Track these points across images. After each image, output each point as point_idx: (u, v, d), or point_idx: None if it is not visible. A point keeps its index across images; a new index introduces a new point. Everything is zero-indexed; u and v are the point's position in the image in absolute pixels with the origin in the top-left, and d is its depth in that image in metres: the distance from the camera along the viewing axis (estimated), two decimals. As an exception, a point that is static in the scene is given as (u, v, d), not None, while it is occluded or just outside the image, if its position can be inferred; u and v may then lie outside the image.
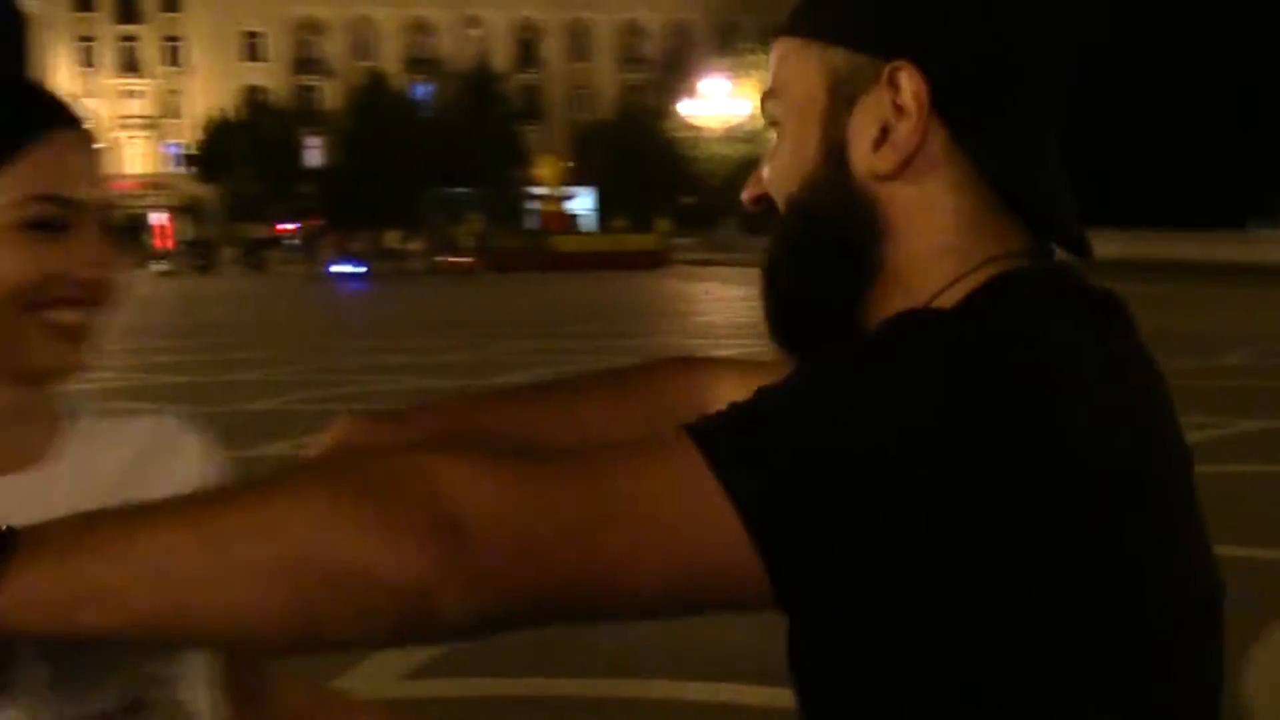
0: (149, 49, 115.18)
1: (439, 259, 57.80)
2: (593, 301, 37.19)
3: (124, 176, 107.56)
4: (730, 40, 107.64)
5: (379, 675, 6.41)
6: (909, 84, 1.33)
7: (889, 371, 1.18)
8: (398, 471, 1.10)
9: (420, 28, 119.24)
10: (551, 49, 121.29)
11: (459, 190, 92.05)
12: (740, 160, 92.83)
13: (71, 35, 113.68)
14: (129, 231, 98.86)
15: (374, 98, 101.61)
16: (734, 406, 1.19)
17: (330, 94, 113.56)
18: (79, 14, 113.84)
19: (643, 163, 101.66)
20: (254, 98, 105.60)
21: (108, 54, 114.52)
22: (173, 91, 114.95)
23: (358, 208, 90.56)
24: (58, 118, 1.58)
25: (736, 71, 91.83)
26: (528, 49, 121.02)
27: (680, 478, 1.13)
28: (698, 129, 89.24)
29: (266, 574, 1.07)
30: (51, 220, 1.52)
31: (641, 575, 1.13)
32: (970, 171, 1.34)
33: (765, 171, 1.45)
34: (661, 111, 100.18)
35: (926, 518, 1.11)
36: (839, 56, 1.37)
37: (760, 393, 1.20)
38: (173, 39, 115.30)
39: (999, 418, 1.14)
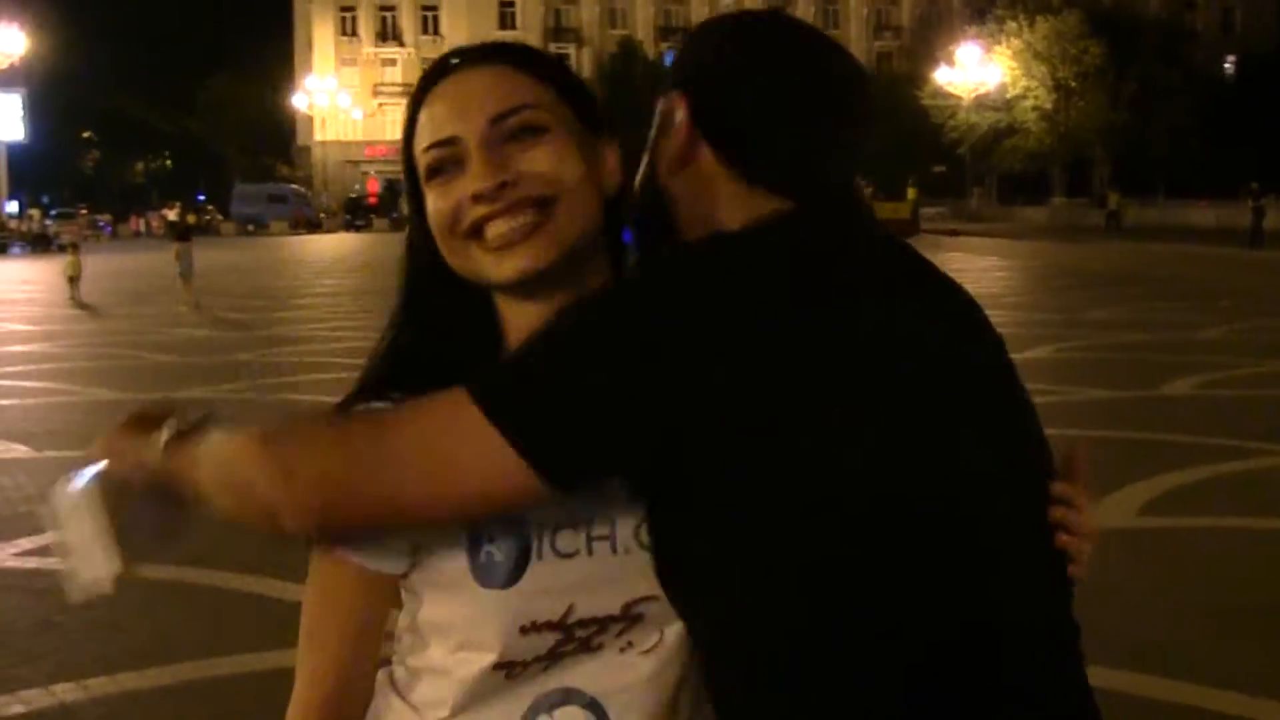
0: (407, 17, 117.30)
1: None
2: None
3: (382, 143, 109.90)
4: (984, 7, 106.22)
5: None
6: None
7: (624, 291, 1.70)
8: (280, 437, 1.68)
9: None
10: (804, 15, 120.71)
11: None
12: (991, 128, 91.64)
13: (333, 5, 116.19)
14: (388, 197, 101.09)
15: (625, 65, 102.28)
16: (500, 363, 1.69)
17: (582, 62, 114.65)
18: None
19: (894, 131, 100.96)
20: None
21: (367, 23, 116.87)
22: (429, 59, 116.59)
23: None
24: (426, 80, 1.85)
25: (990, 39, 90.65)
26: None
27: (457, 420, 1.60)
28: (950, 97, 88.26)
29: (233, 488, 1.69)
30: (440, 164, 1.80)
31: (423, 497, 1.62)
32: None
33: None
34: (914, 79, 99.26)
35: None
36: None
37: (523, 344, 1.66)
38: (430, 8, 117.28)
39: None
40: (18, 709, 6.00)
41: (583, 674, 1.76)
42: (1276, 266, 36.45)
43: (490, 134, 1.77)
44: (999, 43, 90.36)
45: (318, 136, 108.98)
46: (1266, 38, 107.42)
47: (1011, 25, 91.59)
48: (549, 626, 1.73)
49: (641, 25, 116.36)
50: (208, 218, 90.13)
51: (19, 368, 18.02)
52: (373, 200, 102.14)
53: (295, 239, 77.13)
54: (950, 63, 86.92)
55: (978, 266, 38.81)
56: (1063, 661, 1.68)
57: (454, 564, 1.75)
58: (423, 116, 1.82)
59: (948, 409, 1.63)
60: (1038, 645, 1.64)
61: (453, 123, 1.79)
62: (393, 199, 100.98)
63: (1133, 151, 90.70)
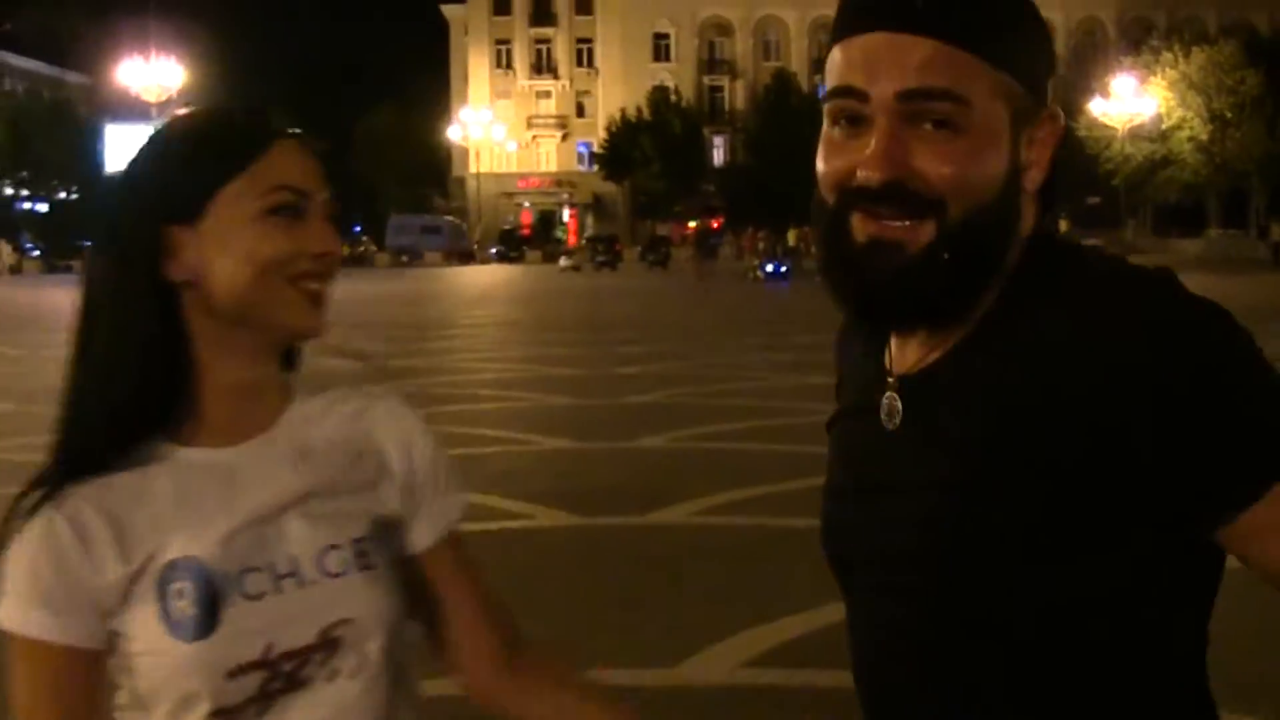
0: (561, 50, 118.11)
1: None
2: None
3: (535, 174, 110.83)
4: (1139, 37, 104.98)
5: (718, 661, 6.82)
6: (1053, 127, 1.75)
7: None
8: None
9: (826, 28, 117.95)
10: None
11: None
12: (1146, 159, 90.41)
13: (489, 38, 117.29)
14: (541, 228, 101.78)
15: (779, 97, 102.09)
16: None
17: (736, 94, 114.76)
18: (496, 17, 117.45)
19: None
20: (661, 97, 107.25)
21: (522, 56, 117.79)
22: (583, 92, 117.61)
23: (758, 207, 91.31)
24: (282, 130, 1.89)
25: (1145, 69, 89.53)
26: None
27: None
28: (1106, 128, 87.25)
29: None
30: (292, 205, 1.84)
31: None
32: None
33: (939, 170, 1.64)
34: (1069, 110, 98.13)
35: None
36: (1017, 90, 1.68)
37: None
38: (585, 40, 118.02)
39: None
40: None
41: (298, 709, 1.82)
42: None
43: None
44: (1154, 73, 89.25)
45: (472, 168, 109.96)
46: None
47: (1167, 56, 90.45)
48: (253, 666, 1.79)
49: (796, 57, 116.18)
50: (362, 249, 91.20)
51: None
52: (526, 232, 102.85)
53: (448, 270, 77.89)
54: (1105, 94, 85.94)
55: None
56: None
57: (147, 628, 1.80)
58: None
59: None
60: None
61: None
62: (546, 230, 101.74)
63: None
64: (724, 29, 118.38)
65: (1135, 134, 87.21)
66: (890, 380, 1.76)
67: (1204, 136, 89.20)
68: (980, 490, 1.63)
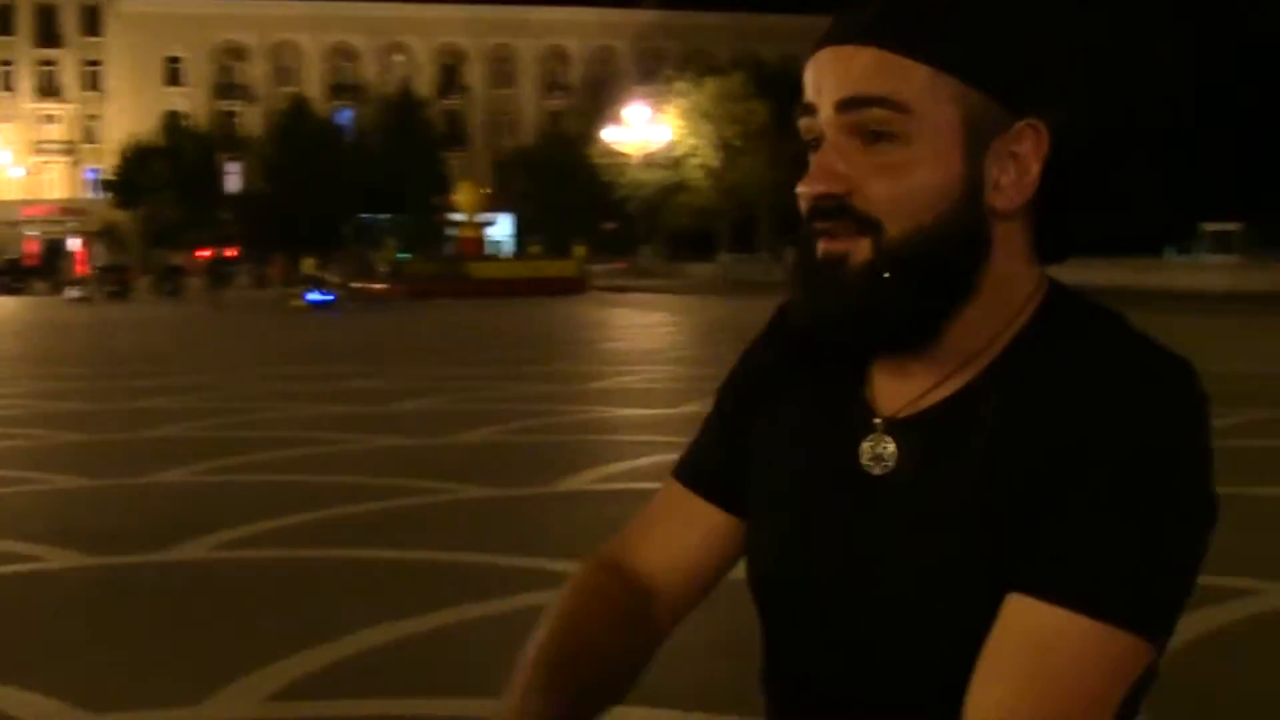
0: (68, 73, 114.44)
1: (355, 285, 57.60)
2: (508, 328, 37.22)
3: (42, 201, 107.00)
4: (653, 67, 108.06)
5: (245, 695, 6.56)
6: (1036, 139, 1.57)
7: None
8: None
9: (343, 53, 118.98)
10: (474, 75, 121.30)
11: (378, 216, 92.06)
12: (659, 186, 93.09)
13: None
14: (46, 258, 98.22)
15: (295, 123, 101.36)
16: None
17: (252, 119, 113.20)
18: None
19: (563, 188, 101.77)
20: (174, 122, 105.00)
21: (26, 77, 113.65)
22: (92, 116, 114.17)
23: (277, 234, 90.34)
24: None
25: (658, 98, 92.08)
26: (450, 75, 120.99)
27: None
28: (620, 155, 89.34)
29: None
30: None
31: None
32: (1033, 210, 1.61)
33: (876, 186, 1.56)
34: (583, 137, 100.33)
35: None
36: (977, 98, 1.55)
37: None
38: (94, 63, 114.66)
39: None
40: None
41: None
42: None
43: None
44: (668, 102, 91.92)
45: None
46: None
47: (680, 85, 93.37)
48: None
49: (312, 82, 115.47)
50: None
51: None
52: (32, 261, 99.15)
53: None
54: (619, 121, 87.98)
55: (645, 322, 39.29)
56: None
57: None
58: None
59: None
60: None
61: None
62: (53, 259, 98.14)
63: (794, 209, 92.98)
64: (239, 53, 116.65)
65: (649, 161, 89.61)
66: (877, 421, 1.65)
67: (715, 164, 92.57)
68: (978, 535, 1.54)
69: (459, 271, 61.51)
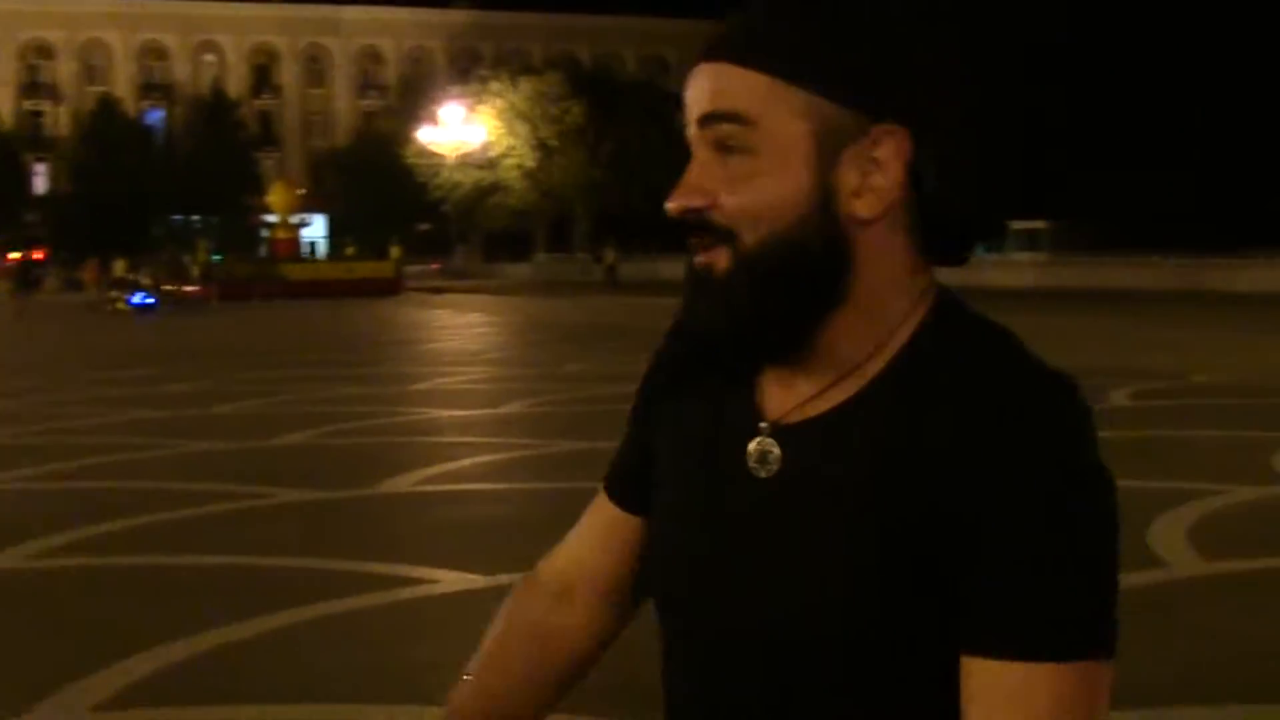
0: None
1: (167, 288, 56.60)
2: (325, 330, 36.93)
3: None
4: (468, 67, 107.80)
5: (68, 706, 6.45)
6: (895, 145, 1.58)
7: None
8: None
9: (153, 53, 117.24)
10: (287, 75, 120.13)
11: (191, 218, 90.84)
12: (475, 186, 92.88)
13: None
14: None
15: (104, 123, 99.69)
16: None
17: (59, 119, 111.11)
18: None
19: (378, 189, 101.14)
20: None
21: None
22: None
23: (87, 236, 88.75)
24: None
25: (473, 98, 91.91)
26: (264, 75, 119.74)
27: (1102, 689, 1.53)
28: (435, 155, 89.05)
29: None
30: None
31: None
32: (912, 217, 1.61)
33: (727, 197, 1.59)
34: (398, 138, 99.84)
35: None
36: (827, 107, 1.57)
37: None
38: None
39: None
40: None
41: None
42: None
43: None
44: (483, 102, 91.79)
45: None
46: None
47: (495, 85, 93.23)
48: None
49: (122, 82, 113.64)
50: None
51: None
52: None
53: None
54: (434, 122, 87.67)
55: (461, 323, 39.20)
56: None
57: None
58: None
59: None
60: None
61: None
62: None
63: (612, 208, 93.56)
64: (45, 51, 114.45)
65: (464, 161, 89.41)
66: (763, 425, 1.67)
67: (531, 164, 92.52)
68: (856, 538, 1.57)
69: (274, 273, 60.81)
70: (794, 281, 1.59)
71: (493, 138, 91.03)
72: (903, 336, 1.62)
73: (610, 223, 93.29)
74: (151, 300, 50.88)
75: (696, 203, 1.61)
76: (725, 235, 1.60)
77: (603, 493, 1.94)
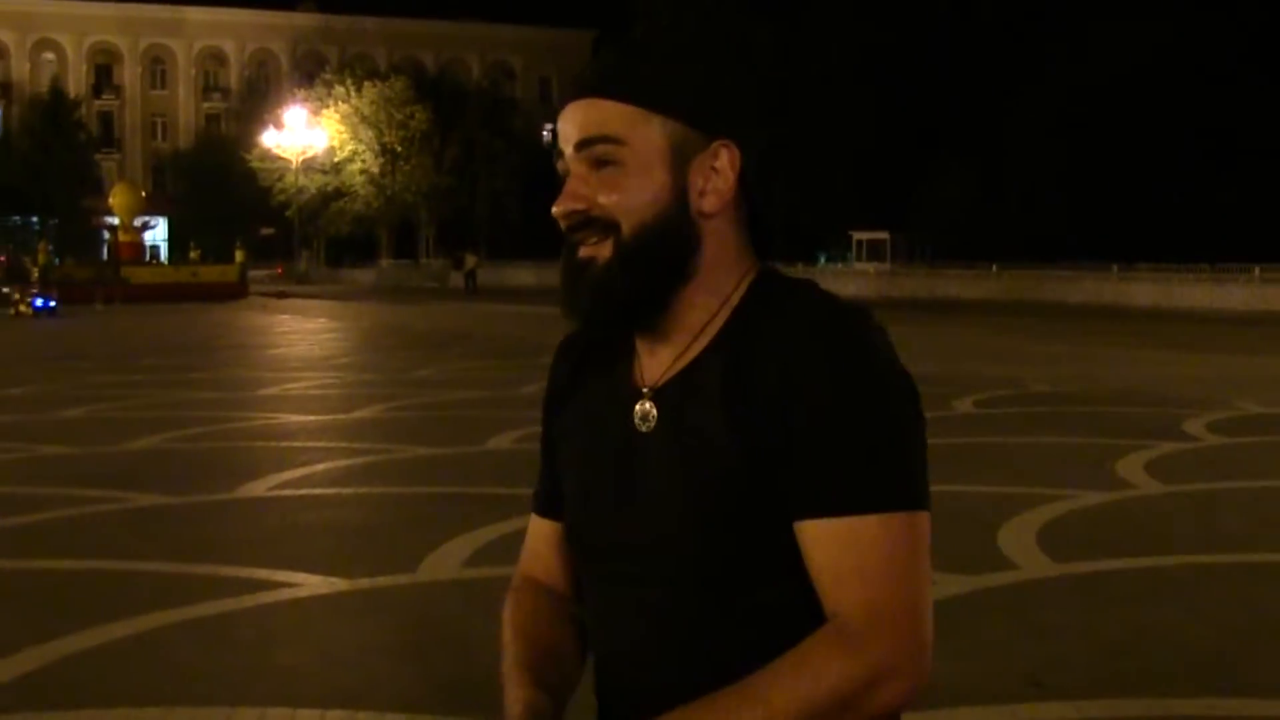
0: None
1: (3, 290, 55.35)
2: (171, 334, 36.44)
3: None
4: (312, 71, 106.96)
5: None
6: (728, 155, 2.06)
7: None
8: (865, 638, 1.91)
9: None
10: (129, 75, 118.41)
11: (28, 219, 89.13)
12: (320, 191, 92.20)
13: None
14: None
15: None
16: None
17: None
18: None
19: (221, 193, 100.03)
20: None
21: None
22: None
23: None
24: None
25: (318, 103, 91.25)
26: (104, 75, 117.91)
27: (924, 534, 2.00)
28: (279, 160, 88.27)
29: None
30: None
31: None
32: (741, 211, 2.09)
33: (604, 198, 2.03)
34: (242, 141, 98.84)
35: None
36: (677, 127, 2.04)
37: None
38: None
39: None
40: None
41: None
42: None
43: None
44: (327, 106, 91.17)
45: None
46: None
47: (339, 90, 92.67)
48: None
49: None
50: None
51: None
52: None
53: None
54: (278, 126, 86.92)
55: (307, 329, 38.89)
56: None
57: None
58: None
59: None
60: None
61: None
62: None
63: (456, 214, 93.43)
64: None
65: (309, 166, 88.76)
66: (645, 391, 2.10)
67: (375, 169, 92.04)
68: (720, 474, 1.98)
69: (116, 277, 59.89)
70: (658, 261, 2.03)
71: (337, 142, 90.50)
72: (734, 301, 2.08)
73: (456, 229, 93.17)
74: (52, 303, 49.33)
75: (579, 206, 2.05)
76: (609, 226, 2.04)
77: (534, 515, 2.35)
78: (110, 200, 69.10)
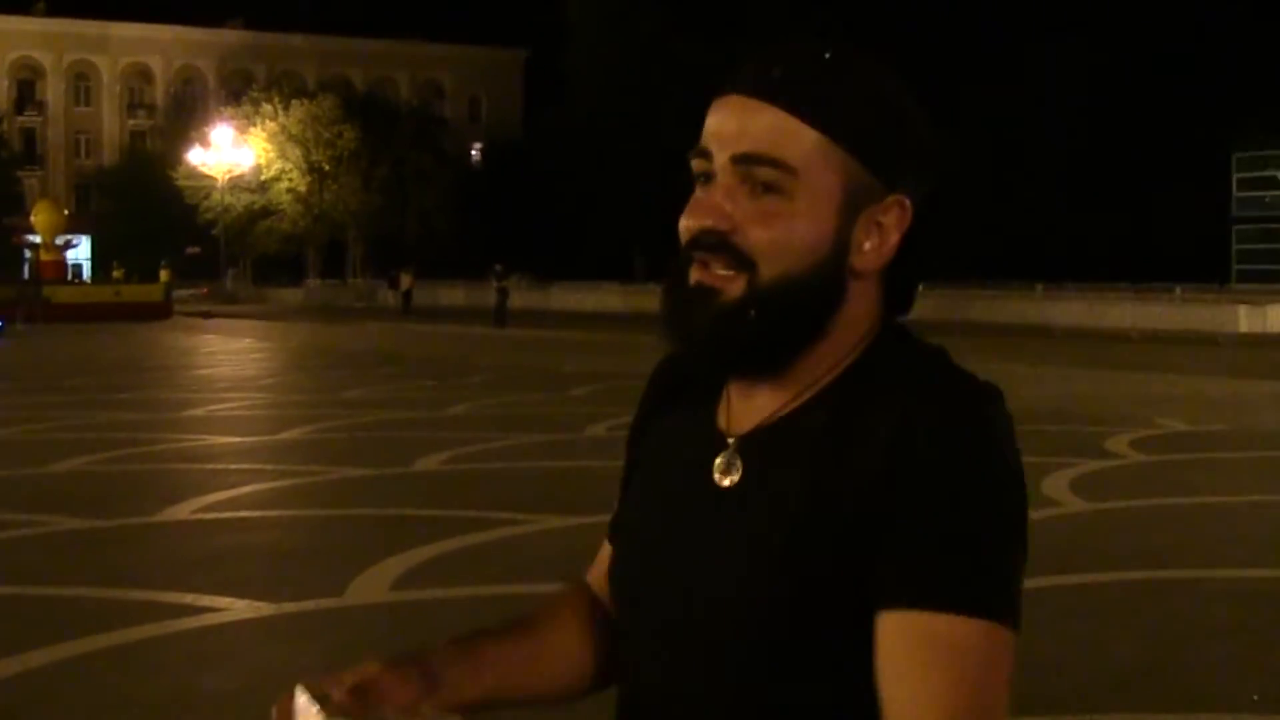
0: None
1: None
2: (94, 354, 36.12)
3: None
4: (239, 89, 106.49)
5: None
6: (899, 214, 1.76)
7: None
8: None
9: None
10: (53, 91, 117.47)
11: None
12: (247, 210, 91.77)
13: None
14: None
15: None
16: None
17: None
18: None
19: (146, 211, 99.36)
20: None
21: None
22: None
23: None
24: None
25: (245, 120, 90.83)
26: (26, 91, 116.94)
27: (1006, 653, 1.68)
28: (205, 178, 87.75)
29: None
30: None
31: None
32: (883, 270, 1.79)
33: (758, 231, 1.73)
34: (167, 159, 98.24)
35: None
36: (858, 169, 1.74)
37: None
38: None
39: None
40: None
41: None
42: (520, 343, 38.08)
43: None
44: (255, 125, 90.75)
45: None
46: (510, 126, 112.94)
47: (267, 108, 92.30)
48: None
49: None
50: None
51: None
52: None
53: None
54: (205, 143, 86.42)
55: (233, 349, 38.64)
56: None
57: None
58: None
59: None
60: None
61: None
62: None
63: (386, 232, 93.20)
64: None
65: (235, 184, 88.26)
66: (731, 441, 1.82)
67: (303, 188, 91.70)
68: (790, 551, 1.71)
69: (38, 296, 59.30)
70: (798, 317, 1.76)
71: (264, 161, 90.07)
72: (852, 358, 1.80)
73: (386, 248, 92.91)
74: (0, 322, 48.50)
75: (722, 226, 1.73)
76: (746, 263, 1.74)
77: (606, 540, 2.07)
78: (32, 218, 68.47)
